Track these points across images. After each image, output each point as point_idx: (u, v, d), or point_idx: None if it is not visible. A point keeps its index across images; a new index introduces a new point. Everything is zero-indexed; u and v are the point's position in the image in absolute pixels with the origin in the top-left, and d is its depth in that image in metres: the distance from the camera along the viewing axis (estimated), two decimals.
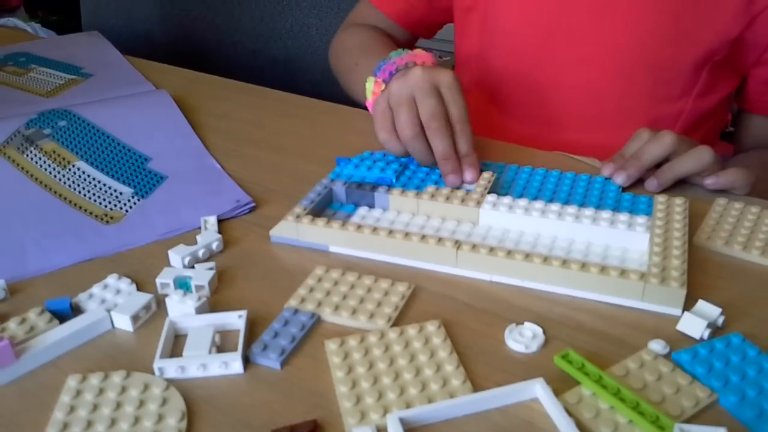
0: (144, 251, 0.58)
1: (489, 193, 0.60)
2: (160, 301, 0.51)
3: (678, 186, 0.64)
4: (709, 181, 0.62)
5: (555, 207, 0.58)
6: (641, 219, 0.56)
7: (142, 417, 0.41)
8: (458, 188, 0.62)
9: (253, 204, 0.64)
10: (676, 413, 0.40)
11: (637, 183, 0.64)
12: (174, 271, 0.53)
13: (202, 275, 0.52)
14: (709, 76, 0.77)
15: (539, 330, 0.47)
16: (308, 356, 0.46)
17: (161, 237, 0.60)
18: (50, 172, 0.68)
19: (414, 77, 0.62)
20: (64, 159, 0.70)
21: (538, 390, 0.42)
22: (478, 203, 0.59)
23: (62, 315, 0.50)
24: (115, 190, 0.67)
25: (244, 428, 0.41)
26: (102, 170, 0.69)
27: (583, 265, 0.50)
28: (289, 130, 0.82)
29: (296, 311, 0.49)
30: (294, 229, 0.58)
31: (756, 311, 0.49)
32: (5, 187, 0.66)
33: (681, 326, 0.47)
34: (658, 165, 0.63)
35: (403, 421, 0.40)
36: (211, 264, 0.55)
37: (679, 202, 0.58)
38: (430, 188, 0.61)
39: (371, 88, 0.70)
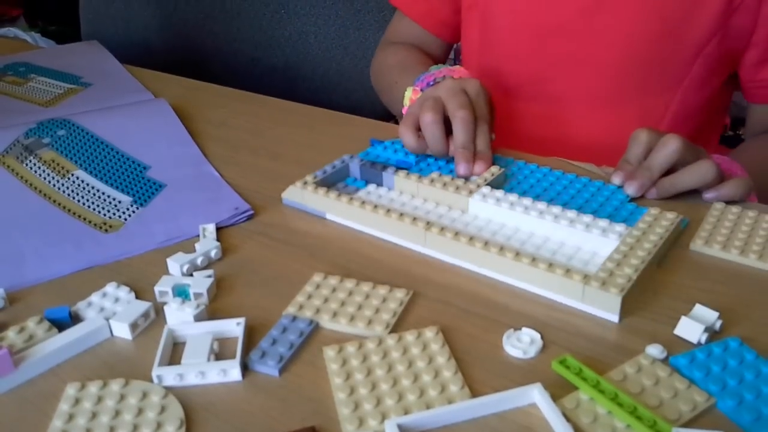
0: (143, 259, 0.59)
1: (487, 185, 0.63)
2: (158, 309, 0.51)
3: None
4: (709, 195, 0.62)
5: (541, 206, 0.59)
6: (619, 227, 0.56)
7: (141, 425, 0.41)
8: (467, 179, 0.65)
9: (251, 212, 0.64)
10: (673, 417, 0.40)
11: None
12: (172, 279, 0.53)
13: (201, 283, 0.52)
14: (700, 69, 0.79)
15: (537, 335, 0.47)
16: (306, 363, 0.46)
17: (160, 245, 0.60)
18: (49, 181, 0.69)
19: (444, 84, 0.69)
20: (63, 168, 0.70)
21: (536, 395, 0.42)
22: (470, 192, 0.62)
23: (61, 323, 0.50)
24: (114, 199, 0.67)
25: None
26: (101, 179, 0.70)
27: (533, 260, 0.52)
28: (287, 137, 0.82)
29: (294, 318, 0.49)
30: (300, 194, 0.65)
31: (753, 315, 0.49)
32: (4, 197, 0.66)
33: (678, 330, 0.47)
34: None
35: (401, 428, 0.40)
36: (210, 272, 0.55)
37: (670, 216, 0.57)
38: (434, 174, 0.65)
39: (409, 95, 0.75)
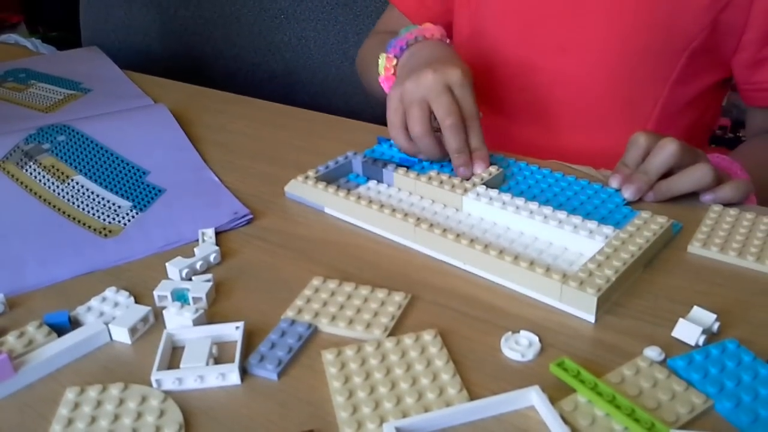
0: (142, 264, 0.59)
1: (483, 184, 0.64)
2: (157, 314, 0.51)
3: None
4: (707, 197, 0.62)
5: (532, 206, 0.60)
6: (607, 229, 0.56)
7: (140, 429, 0.41)
8: (468, 179, 0.66)
9: (250, 216, 0.65)
10: (671, 420, 0.40)
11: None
12: (171, 283, 0.53)
13: (200, 287, 0.53)
14: (688, 62, 0.78)
15: (535, 338, 0.47)
16: (305, 367, 0.46)
17: (159, 250, 0.60)
18: (49, 187, 0.69)
19: (426, 80, 0.66)
20: (62, 173, 0.71)
21: (534, 398, 0.42)
22: (465, 191, 0.63)
23: (61, 328, 0.50)
24: (114, 204, 0.67)
25: None
26: (100, 184, 0.70)
27: (516, 258, 0.53)
28: (286, 142, 0.82)
29: (293, 322, 0.50)
30: (301, 188, 0.67)
31: (751, 317, 0.49)
32: (4, 202, 0.67)
33: (676, 333, 0.47)
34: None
35: (399, 431, 0.40)
36: (209, 276, 0.55)
37: (660, 220, 0.57)
38: (432, 172, 0.66)
39: (383, 64, 0.75)
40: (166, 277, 0.56)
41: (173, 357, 0.48)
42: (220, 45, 1.41)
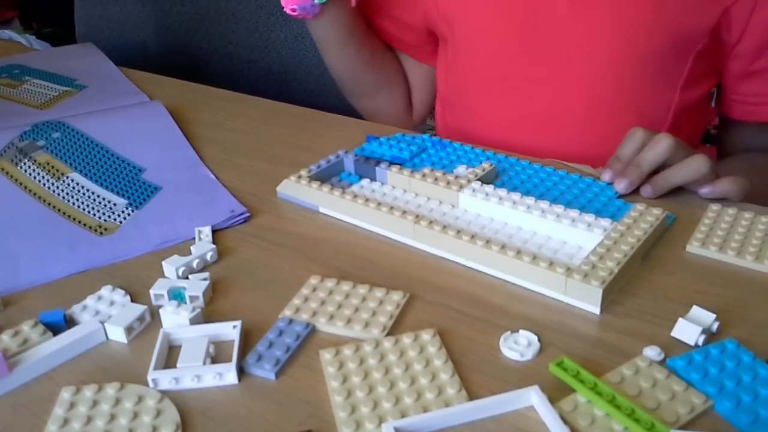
0: (138, 262, 0.58)
1: (477, 180, 0.64)
2: (154, 313, 0.51)
3: (673, 192, 0.64)
4: (705, 191, 0.62)
5: (529, 200, 0.60)
6: (605, 222, 0.57)
7: (137, 429, 0.41)
8: (458, 176, 0.65)
9: (247, 214, 0.64)
10: (671, 420, 0.40)
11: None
12: (168, 282, 0.53)
13: (197, 286, 0.52)
14: (694, 66, 0.77)
15: (534, 337, 0.47)
16: (303, 366, 0.46)
17: (155, 248, 0.60)
18: (44, 184, 0.68)
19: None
20: (57, 171, 0.70)
21: (533, 398, 0.42)
22: (461, 187, 0.63)
23: (56, 327, 0.49)
24: (109, 201, 0.66)
25: None
26: (96, 181, 0.69)
27: (518, 252, 0.53)
28: (283, 139, 0.82)
29: (291, 321, 0.49)
30: (294, 188, 0.66)
31: (750, 317, 0.49)
32: None
33: (676, 333, 0.47)
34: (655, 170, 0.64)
35: (398, 431, 0.39)
36: (206, 274, 0.55)
37: (655, 212, 0.58)
38: (426, 169, 0.66)
39: None
40: (163, 275, 0.56)
41: (170, 356, 0.47)
42: (216, 42, 1.41)
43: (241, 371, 0.45)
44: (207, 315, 0.51)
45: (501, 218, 0.61)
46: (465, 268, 0.56)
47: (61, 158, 0.72)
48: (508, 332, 0.48)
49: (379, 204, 0.61)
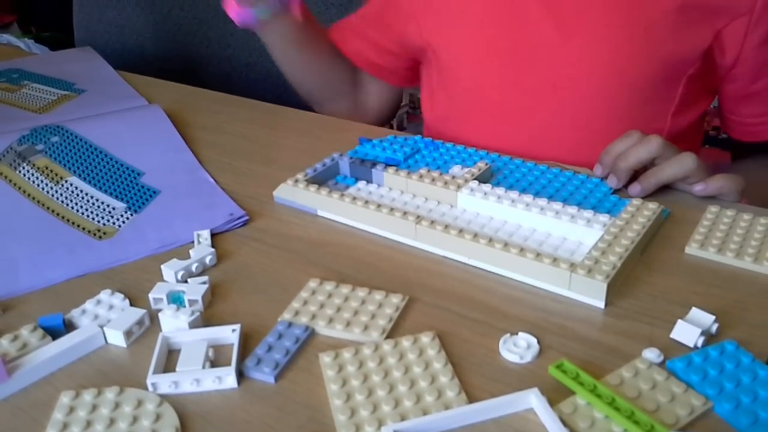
0: (137, 266, 0.58)
1: (474, 179, 0.64)
2: (153, 317, 0.51)
3: (671, 194, 0.64)
4: (698, 188, 0.63)
5: (527, 198, 0.61)
6: (603, 218, 0.58)
7: None
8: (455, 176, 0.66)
9: (246, 217, 0.64)
10: (671, 422, 0.40)
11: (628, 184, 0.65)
12: (167, 285, 0.53)
13: (196, 290, 0.52)
14: (685, 91, 0.76)
15: (533, 340, 0.47)
16: (302, 370, 0.46)
17: (154, 252, 0.60)
18: (43, 188, 0.68)
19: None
20: (56, 175, 0.70)
21: (533, 400, 0.42)
22: (459, 187, 0.63)
23: (55, 331, 0.49)
24: (108, 205, 0.66)
25: None
26: (95, 185, 0.69)
27: (521, 250, 0.53)
28: (281, 142, 0.82)
29: (290, 324, 0.49)
30: (291, 192, 0.66)
31: (749, 318, 0.49)
32: None
33: (675, 334, 0.47)
34: (645, 169, 0.64)
35: None
36: (205, 278, 0.55)
37: (651, 206, 0.59)
38: (422, 170, 0.66)
39: None
40: (162, 279, 0.55)
41: (169, 360, 0.47)
42: (214, 45, 1.41)
43: (241, 375, 0.45)
44: (206, 319, 0.51)
45: (500, 216, 0.61)
46: (465, 270, 0.56)
47: (60, 162, 0.72)
48: (508, 334, 0.48)
49: (379, 206, 0.61)
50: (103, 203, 0.67)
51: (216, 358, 0.47)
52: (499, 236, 0.59)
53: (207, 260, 0.57)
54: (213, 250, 0.58)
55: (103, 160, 0.73)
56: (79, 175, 0.70)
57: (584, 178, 0.66)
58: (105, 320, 0.50)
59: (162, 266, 0.56)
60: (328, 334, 0.49)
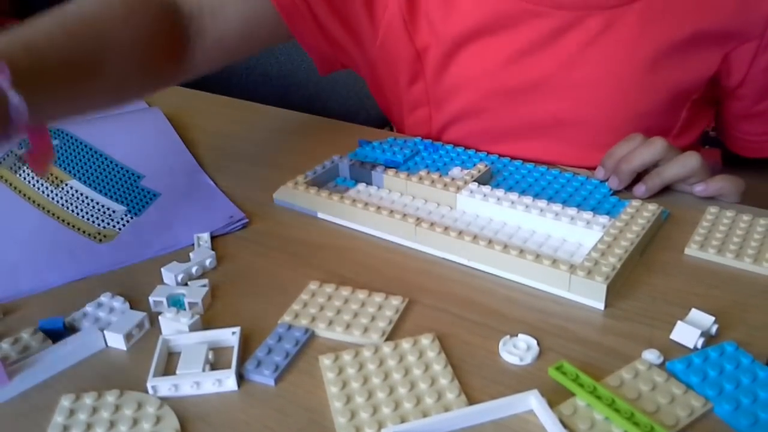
0: (137, 269, 0.58)
1: (474, 181, 0.65)
2: (153, 319, 0.51)
3: (670, 195, 0.64)
4: (699, 188, 0.63)
5: (527, 200, 0.61)
6: (603, 219, 0.58)
7: None
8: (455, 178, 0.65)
9: (246, 220, 0.64)
10: (671, 423, 0.40)
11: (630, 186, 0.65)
12: (167, 288, 0.53)
13: (196, 292, 0.52)
14: (688, 114, 0.74)
15: (533, 342, 0.47)
16: (302, 372, 0.46)
17: (154, 254, 0.60)
18: (43, 192, 0.68)
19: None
20: (56, 178, 0.70)
21: (532, 402, 0.42)
22: (458, 189, 0.63)
23: (55, 334, 0.49)
24: (108, 209, 0.67)
25: None
26: (95, 188, 0.69)
27: (521, 252, 0.53)
28: (282, 145, 0.82)
29: (290, 327, 0.49)
30: (291, 194, 0.66)
31: (749, 319, 0.49)
32: None
33: (675, 335, 0.47)
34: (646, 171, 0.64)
35: None
36: (205, 281, 0.55)
37: (651, 208, 0.59)
38: (422, 172, 0.67)
39: None
40: (162, 282, 0.56)
41: (169, 363, 0.47)
42: None
43: (241, 377, 0.45)
44: (206, 321, 0.51)
45: (500, 218, 0.61)
46: (464, 272, 0.56)
47: (60, 165, 0.72)
48: (508, 336, 0.48)
49: (379, 208, 0.61)
50: (103, 206, 0.67)
51: (216, 360, 0.47)
52: (498, 238, 0.59)
53: (207, 263, 0.57)
54: (213, 252, 0.58)
55: (103, 163, 0.73)
56: (80, 179, 0.71)
57: (584, 180, 0.66)
58: (105, 323, 0.51)
59: (162, 269, 0.56)
60: (328, 336, 0.49)
